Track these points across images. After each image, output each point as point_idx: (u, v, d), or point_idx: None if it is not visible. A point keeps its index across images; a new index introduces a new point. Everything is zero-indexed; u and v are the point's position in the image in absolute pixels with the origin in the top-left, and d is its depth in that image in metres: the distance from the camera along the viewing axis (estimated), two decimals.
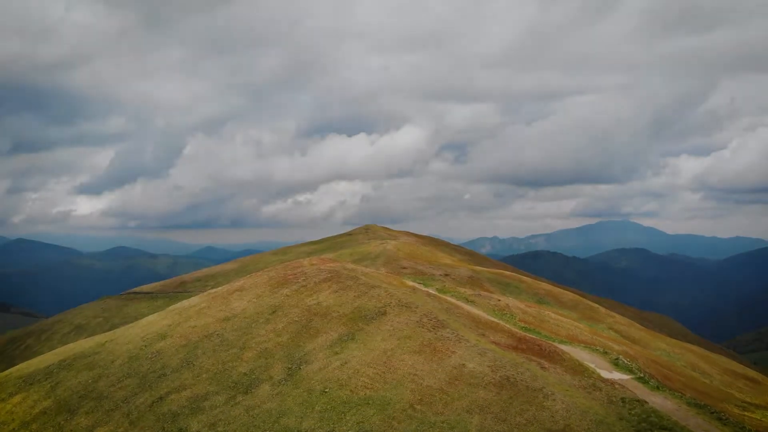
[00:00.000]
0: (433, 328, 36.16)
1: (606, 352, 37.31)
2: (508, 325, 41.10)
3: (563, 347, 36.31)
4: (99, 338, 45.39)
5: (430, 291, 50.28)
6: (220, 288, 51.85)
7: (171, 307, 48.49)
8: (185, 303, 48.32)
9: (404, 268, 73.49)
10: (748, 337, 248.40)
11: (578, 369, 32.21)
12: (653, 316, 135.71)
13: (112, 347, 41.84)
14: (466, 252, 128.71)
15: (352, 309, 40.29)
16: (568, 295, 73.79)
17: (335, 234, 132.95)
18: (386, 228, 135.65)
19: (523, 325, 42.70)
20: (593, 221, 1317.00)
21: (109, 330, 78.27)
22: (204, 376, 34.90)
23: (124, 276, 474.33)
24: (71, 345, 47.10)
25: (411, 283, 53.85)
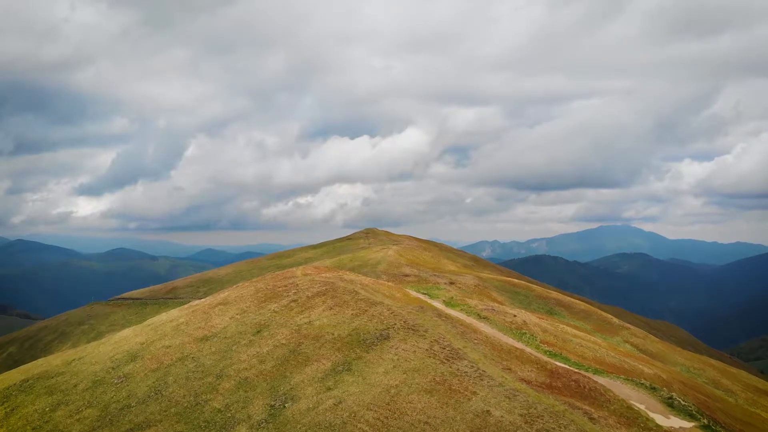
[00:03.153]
0: (447, 359, 29.91)
1: (654, 388, 32.21)
2: (533, 351, 35.71)
3: (601, 380, 31.27)
4: (68, 355, 40.22)
5: (437, 304, 45.67)
6: (202, 300, 46.89)
7: (148, 321, 43.66)
8: (163, 317, 43.58)
9: (407, 275, 69.31)
10: (752, 344, 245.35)
11: (631, 416, 26.59)
12: (661, 324, 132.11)
13: (79, 368, 36.86)
14: (470, 257, 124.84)
15: (348, 331, 34.65)
16: (579, 304, 70.23)
17: (336, 237, 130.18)
18: (387, 232, 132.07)
19: (546, 348, 37.69)
20: (594, 226, 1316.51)
21: (94, 338, 74.52)
22: (173, 410, 29.79)
23: (124, 278, 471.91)
24: (39, 361, 42.32)
25: (415, 294, 49.55)
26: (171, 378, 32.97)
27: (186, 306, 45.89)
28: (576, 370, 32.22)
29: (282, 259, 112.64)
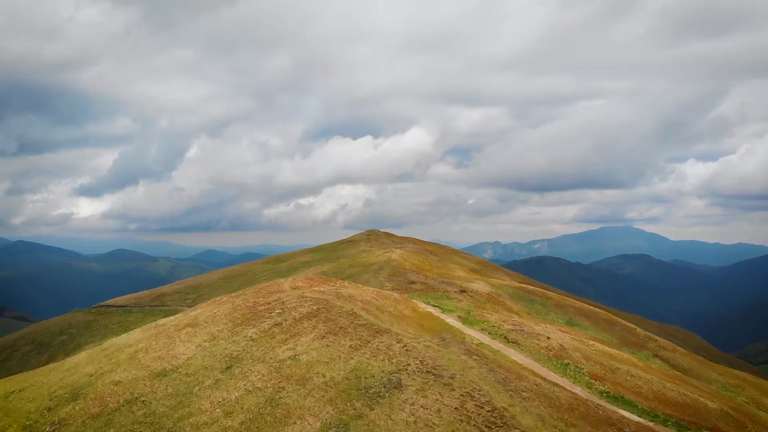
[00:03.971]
0: (490, 427, 21.45)
1: None
2: (593, 397, 27.88)
3: None
4: (10, 385, 33.82)
5: (453, 322, 39.82)
6: (170, 319, 40.21)
7: (106, 345, 37.07)
8: (123, 339, 37.23)
9: (413, 282, 64.55)
10: (759, 347, 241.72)
11: None
12: (675, 330, 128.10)
13: (14, 404, 30.41)
14: (476, 260, 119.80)
15: (346, 372, 26.20)
16: (600, 313, 65.90)
17: (336, 240, 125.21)
18: (389, 233, 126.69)
19: (599, 386, 30.25)
20: (595, 227, 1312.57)
21: (73, 350, 70.07)
22: None
23: (124, 279, 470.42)
24: None
25: (425, 308, 44.31)
26: (112, 430, 25.93)
27: (150, 327, 39.28)
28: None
29: (278, 263, 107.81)
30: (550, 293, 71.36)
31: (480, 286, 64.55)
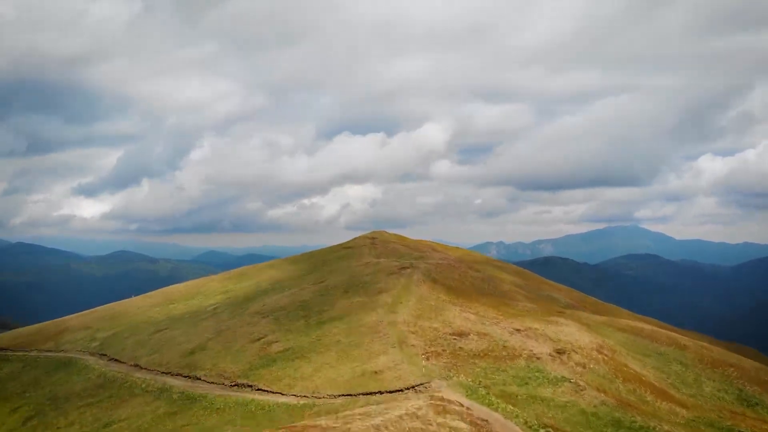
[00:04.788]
0: None
1: None
2: None
3: None
4: None
5: None
6: None
7: None
8: None
9: (461, 336, 39.14)
10: None
11: None
12: (738, 348, 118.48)
13: None
14: (513, 270, 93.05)
15: None
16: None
17: (336, 242, 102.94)
18: (399, 236, 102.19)
19: None
20: (600, 226, 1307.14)
21: None
22: None
23: (123, 281, 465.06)
24: None
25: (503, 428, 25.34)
26: None
27: None
28: None
29: (238, 282, 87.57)
30: (679, 338, 50.39)
31: (577, 334, 42.90)
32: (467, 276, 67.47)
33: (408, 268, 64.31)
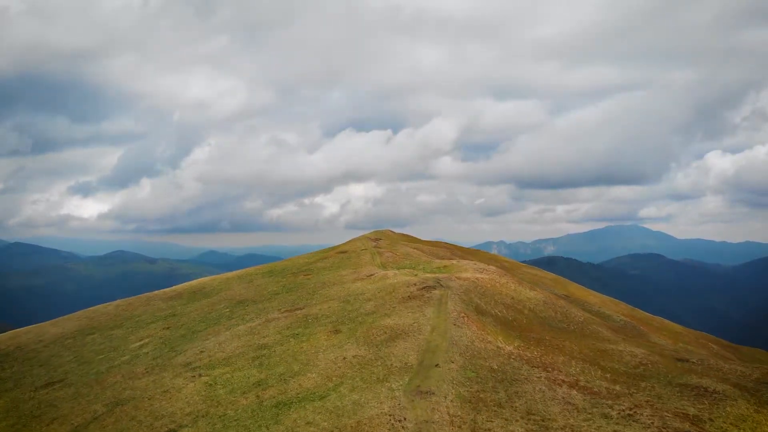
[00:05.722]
0: None
1: None
2: None
3: None
4: None
5: None
6: None
7: None
8: None
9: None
10: None
11: None
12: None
13: None
14: (553, 279, 78.81)
15: None
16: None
17: (336, 243, 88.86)
18: (406, 235, 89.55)
19: None
20: (601, 225, 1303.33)
21: None
22: None
23: (121, 281, 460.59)
24: None
25: None
26: None
27: None
28: None
29: (189, 301, 63.37)
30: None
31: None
32: (522, 296, 46.52)
33: (434, 288, 44.12)
